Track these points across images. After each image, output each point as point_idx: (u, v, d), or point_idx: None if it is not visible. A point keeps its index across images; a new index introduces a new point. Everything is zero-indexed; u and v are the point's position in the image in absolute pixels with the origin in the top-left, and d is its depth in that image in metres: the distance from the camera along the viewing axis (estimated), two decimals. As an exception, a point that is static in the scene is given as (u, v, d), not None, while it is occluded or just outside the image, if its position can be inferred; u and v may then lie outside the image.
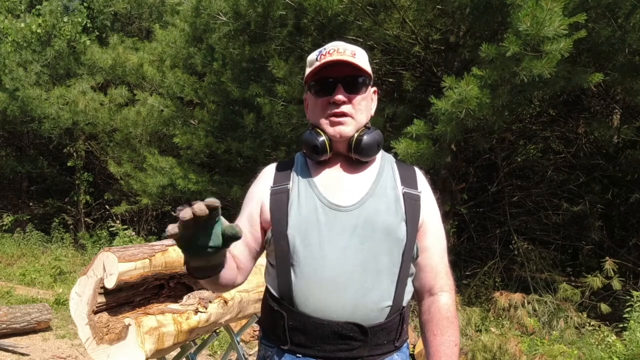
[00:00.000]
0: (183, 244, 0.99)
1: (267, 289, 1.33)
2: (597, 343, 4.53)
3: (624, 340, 4.36)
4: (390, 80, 6.17)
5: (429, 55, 5.42)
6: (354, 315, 1.19)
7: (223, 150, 7.09)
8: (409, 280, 1.30)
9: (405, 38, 5.23)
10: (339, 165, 1.33)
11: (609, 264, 5.03)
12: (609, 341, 4.49)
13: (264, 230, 1.32)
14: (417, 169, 1.38)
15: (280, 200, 1.28)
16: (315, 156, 1.30)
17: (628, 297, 4.65)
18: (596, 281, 4.99)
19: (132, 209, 9.60)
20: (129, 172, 8.49)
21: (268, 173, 1.37)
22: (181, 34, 7.46)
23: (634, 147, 6.64)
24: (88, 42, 9.81)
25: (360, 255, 1.21)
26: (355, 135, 1.28)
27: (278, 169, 1.36)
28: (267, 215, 1.29)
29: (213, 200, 0.92)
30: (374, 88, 1.38)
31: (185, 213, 0.90)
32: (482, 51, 3.79)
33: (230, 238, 0.98)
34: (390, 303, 1.22)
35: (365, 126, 1.32)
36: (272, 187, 1.31)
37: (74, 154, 10.79)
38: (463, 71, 4.23)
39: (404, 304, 1.27)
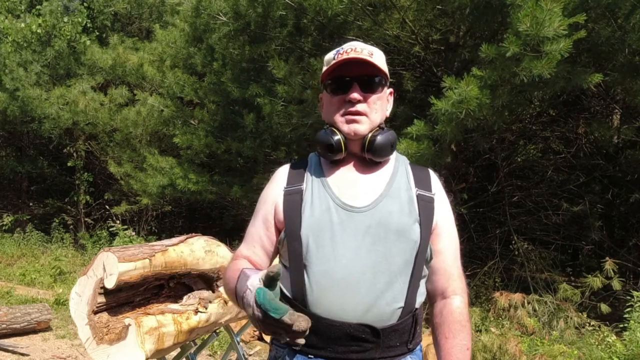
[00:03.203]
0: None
1: (280, 290, 1.33)
2: (597, 343, 4.53)
3: (624, 340, 4.35)
4: (390, 80, 6.15)
5: (429, 55, 5.42)
6: (365, 317, 1.19)
7: (223, 150, 7.09)
8: (422, 282, 1.29)
9: (405, 38, 5.23)
10: (352, 165, 1.33)
11: (609, 264, 5.03)
12: (609, 341, 4.49)
13: (278, 231, 1.32)
14: (431, 171, 1.37)
15: (293, 201, 1.28)
16: (330, 155, 1.30)
17: (628, 297, 4.65)
18: (596, 281, 4.99)
19: (132, 209, 9.61)
20: (129, 172, 8.50)
21: (281, 174, 1.36)
22: (181, 34, 7.46)
23: (634, 147, 6.63)
24: (88, 42, 9.81)
25: (373, 256, 1.20)
26: (369, 135, 1.28)
27: (291, 170, 1.36)
28: (281, 216, 1.29)
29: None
30: (390, 89, 1.38)
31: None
32: (482, 51, 3.79)
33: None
34: (403, 304, 1.22)
35: (379, 126, 1.32)
36: (285, 188, 1.31)
37: (74, 154, 10.79)
38: (463, 71, 4.23)
39: (417, 305, 1.26)
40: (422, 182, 1.32)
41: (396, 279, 1.21)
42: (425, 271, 1.30)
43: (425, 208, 1.27)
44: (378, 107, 1.31)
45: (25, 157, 12.01)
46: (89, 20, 10.34)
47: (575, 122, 7.05)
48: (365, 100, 1.28)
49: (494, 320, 5.00)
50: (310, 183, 1.30)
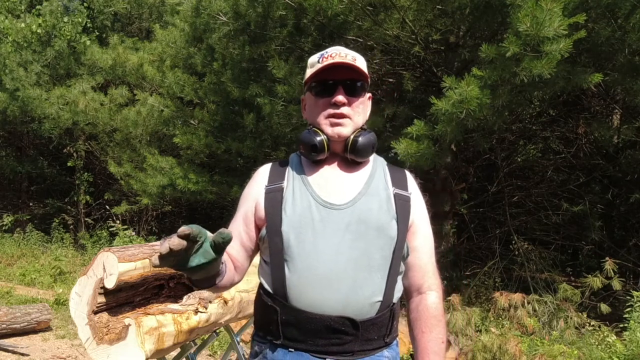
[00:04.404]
0: (178, 268, 1.05)
1: (260, 285, 1.36)
2: (597, 343, 4.53)
3: (624, 340, 4.36)
4: (391, 80, 6.16)
5: (429, 55, 5.42)
6: (346, 310, 1.22)
7: (223, 150, 7.09)
8: (399, 278, 1.34)
9: (405, 38, 5.23)
10: (333, 165, 1.37)
11: (609, 264, 5.02)
12: (609, 341, 4.49)
13: (258, 229, 1.35)
14: (407, 172, 1.42)
15: (274, 198, 1.32)
16: (314, 155, 1.33)
17: (628, 297, 4.65)
18: (596, 281, 4.98)
19: (132, 209, 9.61)
20: (129, 172, 8.50)
21: (262, 173, 1.41)
22: (181, 34, 7.47)
23: (634, 147, 6.64)
24: (88, 42, 9.82)
25: (353, 252, 1.24)
26: (352, 136, 1.33)
27: (272, 169, 1.40)
28: (262, 213, 1.32)
29: (184, 229, 0.97)
30: (369, 94, 1.42)
31: (163, 248, 0.96)
32: (482, 51, 3.80)
33: (222, 245, 1.05)
34: (381, 298, 1.26)
35: (361, 128, 1.36)
36: (266, 187, 1.35)
37: (74, 154, 10.79)
38: (463, 71, 4.23)
39: (394, 300, 1.31)
40: (399, 182, 1.37)
41: (375, 273, 1.26)
42: (402, 267, 1.34)
43: (402, 206, 1.32)
44: (361, 110, 1.36)
45: (25, 157, 12.01)
46: (89, 20, 10.35)
47: (575, 122, 7.05)
48: (349, 103, 1.32)
49: (494, 320, 5.00)
50: (291, 181, 1.34)
